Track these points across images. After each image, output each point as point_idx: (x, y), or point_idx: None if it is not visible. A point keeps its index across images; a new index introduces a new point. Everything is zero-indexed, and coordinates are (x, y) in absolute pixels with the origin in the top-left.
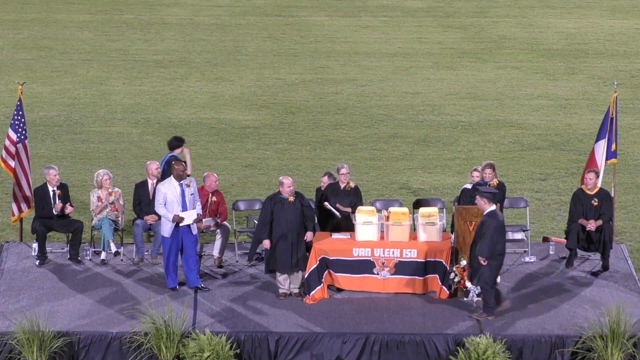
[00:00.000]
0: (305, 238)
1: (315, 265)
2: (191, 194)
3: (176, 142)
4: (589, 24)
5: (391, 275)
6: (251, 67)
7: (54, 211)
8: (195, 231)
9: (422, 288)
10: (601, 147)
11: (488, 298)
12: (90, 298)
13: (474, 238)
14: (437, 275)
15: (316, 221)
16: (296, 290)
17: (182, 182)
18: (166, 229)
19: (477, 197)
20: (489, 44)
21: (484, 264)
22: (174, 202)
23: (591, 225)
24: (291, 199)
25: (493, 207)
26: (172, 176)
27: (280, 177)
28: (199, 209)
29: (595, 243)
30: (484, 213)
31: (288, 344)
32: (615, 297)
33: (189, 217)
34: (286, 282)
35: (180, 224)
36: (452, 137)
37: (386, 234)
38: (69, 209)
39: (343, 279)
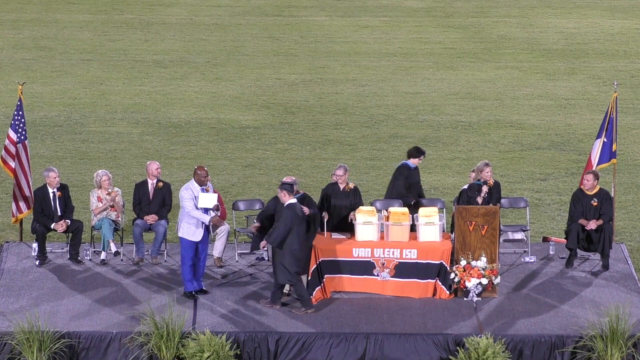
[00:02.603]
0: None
1: (315, 266)
2: None
3: (415, 152)
4: (589, 24)
5: (391, 277)
6: (251, 67)
7: (52, 226)
8: (209, 234)
9: (421, 292)
10: (597, 147)
11: (299, 289)
12: (90, 298)
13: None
14: (437, 277)
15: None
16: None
17: (202, 187)
18: (195, 232)
19: (278, 189)
20: (489, 44)
21: (262, 248)
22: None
23: (591, 224)
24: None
25: (293, 200)
26: (193, 180)
27: (285, 178)
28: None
29: (595, 243)
30: (284, 205)
31: (288, 344)
32: (615, 297)
33: (210, 201)
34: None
35: (202, 207)
36: (452, 137)
37: (386, 234)
38: (62, 227)
39: (342, 280)
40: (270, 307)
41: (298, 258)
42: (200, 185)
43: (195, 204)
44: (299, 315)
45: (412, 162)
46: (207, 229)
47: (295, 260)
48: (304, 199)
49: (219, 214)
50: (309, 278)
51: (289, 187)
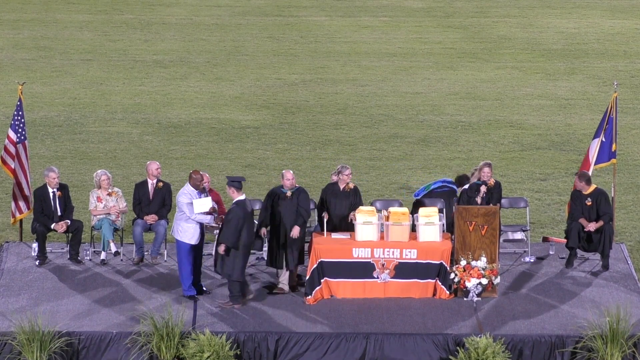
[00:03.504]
0: (292, 234)
1: (315, 266)
2: None
3: (466, 182)
4: (589, 24)
5: (391, 278)
6: (251, 67)
7: (52, 227)
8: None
9: (422, 292)
10: (594, 146)
11: (233, 287)
12: (90, 298)
13: (222, 226)
14: (437, 277)
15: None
16: (287, 288)
17: (197, 191)
18: (194, 236)
19: (227, 186)
20: (489, 44)
21: (222, 252)
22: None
23: (591, 227)
24: (288, 194)
25: (242, 196)
26: (188, 184)
27: (283, 170)
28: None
29: (595, 243)
30: (233, 201)
31: (288, 344)
32: (615, 297)
33: (205, 205)
34: (284, 277)
35: (198, 212)
36: (452, 137)
37: (386, 234)
38: (62, 228)
39: (342, 285)
40: (231, 306)
41: (247, 254)
42: (196, 189)
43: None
44: (228, 308)
45: (459, 189)
46: (203, 230)
47: (246, 256)
48: (299, 193)
49: (215, 216)
50: (307, 277)
51: (237, 184)
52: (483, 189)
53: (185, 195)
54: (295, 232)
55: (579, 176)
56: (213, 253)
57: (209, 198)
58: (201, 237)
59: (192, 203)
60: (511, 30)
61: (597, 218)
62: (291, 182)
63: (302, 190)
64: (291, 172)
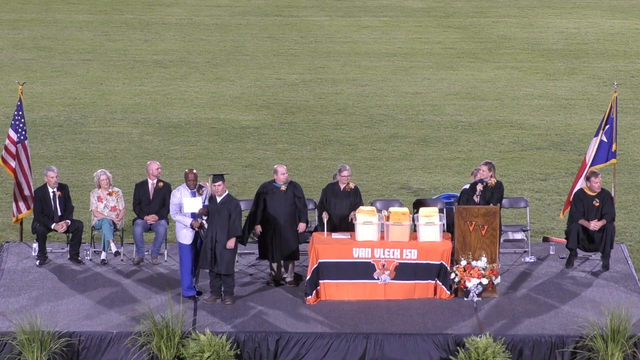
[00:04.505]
0: (299, 230)
1: (315, 266)
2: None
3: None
4: (589, 24)
5: (391, 279)
6: (251, 67)
7: (53, 227)
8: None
9: (422, 293)
10: (592, 146)
11: (228, 281)
12: (90, 298)
13: (212, 222)
14: (437, 277)
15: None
16: (289, 279)
17: (192, 190)
18: (186, 236)
19: (216, 183)
20: (489, 44)
21: (232, 246)
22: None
23: (594, 225)
24: (283, 188)
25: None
26: (185, 183)
27: (275, 165)
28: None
29: (597, 242)
30: (223, 195)
31: (288, 344)
32: (615, 297)
33: (195, 205)
34: (289, 271)
35: (188, 212)
36: (452, 137)
37: (386, 234)
38: (63, 228)
39: (342, 288)
40: (233, 302)
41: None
42: (190, 189)
43: (177, 208)
44: (226, 306)
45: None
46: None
47: (236, 248)
48: (293, 186)
49: (205, 219)
50: (308, 277)
51: (223, 178)
52: (479, 187)
53: (177, 191)
54: (302, 227)
55: (595, 175)
56: (207, 252)
57: (200, 198)
58: (197, 238)
59: (180, 202)
60: (511, 30)
61: (600, 218)
62: (285, 176)
63: (294, 183)
64: (284, 166)
